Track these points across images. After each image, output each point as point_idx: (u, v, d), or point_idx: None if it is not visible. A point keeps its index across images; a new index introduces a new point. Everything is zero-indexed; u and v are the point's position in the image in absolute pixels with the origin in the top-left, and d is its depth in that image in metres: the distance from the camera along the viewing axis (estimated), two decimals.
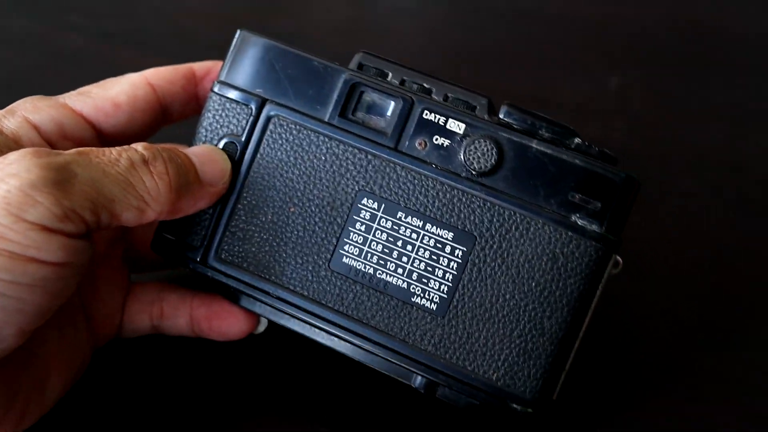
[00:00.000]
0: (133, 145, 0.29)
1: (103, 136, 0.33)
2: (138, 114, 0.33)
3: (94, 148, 0.28)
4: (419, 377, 0.31)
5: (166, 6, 0.54)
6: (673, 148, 0.45)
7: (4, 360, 0.26)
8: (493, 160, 0.30)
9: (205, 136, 0.33)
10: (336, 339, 0.32)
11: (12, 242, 0.24)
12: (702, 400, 0.38)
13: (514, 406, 0.30)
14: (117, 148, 0.28)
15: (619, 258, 0.31)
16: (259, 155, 0.32)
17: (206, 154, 0.31)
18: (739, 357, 0.40)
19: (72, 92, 0.33)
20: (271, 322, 0.34)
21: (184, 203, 0.30)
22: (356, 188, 0.31)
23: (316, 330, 0.32)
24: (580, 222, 0.30)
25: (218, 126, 0.33)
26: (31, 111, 0.31)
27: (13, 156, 0.25)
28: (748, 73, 0.51)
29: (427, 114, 0.31)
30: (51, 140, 0.31)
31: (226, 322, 0.34)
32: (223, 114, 0.33)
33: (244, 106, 0.32)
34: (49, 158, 0.26)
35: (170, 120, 0.36)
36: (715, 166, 0.46)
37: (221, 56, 0.34)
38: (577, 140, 0.30)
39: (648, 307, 0.41)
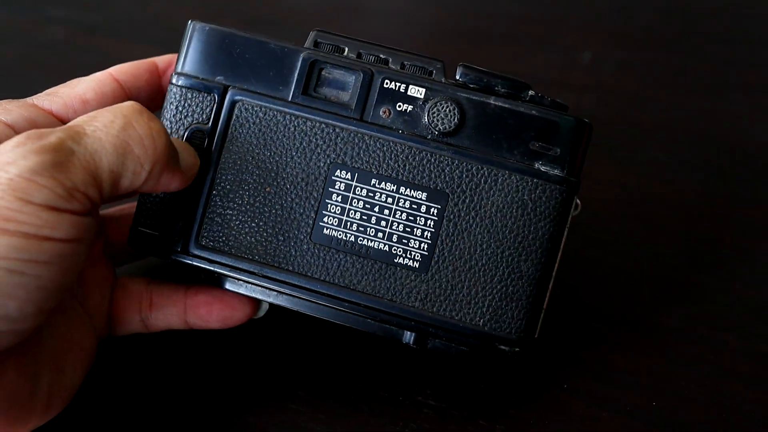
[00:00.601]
0: (128, 102, 0.29)
1: None
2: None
3: (86, 116, 0.28)
4: (409, 333, 0.33)
5: None
6: (644, 118, 0.47)
7: (23, 343, 0.27)
8: (455, 120, 0.32)
9: (170, 127, 0.33)
10: (326, 309, 0.33)
11: (25, 224, 0.25)
12: (667, 357, 0.40)
13: (502, 347, 0.32)
14: (110, 107, 0.29)
15: (578, 200, 0.34)
16: (228, 141, 0.33)
17: (179, 142, 0.32)
18: (704, 317, 0.41)
19: (39, 94, 0.33)
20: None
21: (166, 175, 0.30)
22: (328, 161, 0.33)
23: (306, 302, 0.33)
24: (543, 168, 0.32)
25: (182, 116, 0.33)
26: (1, 113, 0.31)
27: (8, 145, 0.26)
28: (719, 43, 0.52)
29: (387, 83, 0.32)
30: None
31: (229, 307, 0.35)
32: (186, 104, 0.33)
33: (206, 95, 0.33)
34: (43, 141, 0.26)
35: None
36: (686, 135, 0.48)
37: None
38: (531, 92, 0.32)
39: (617, 269, 0.43)
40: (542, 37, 0.50)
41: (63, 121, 0.33)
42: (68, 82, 0.34)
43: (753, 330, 0.41)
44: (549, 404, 0.37)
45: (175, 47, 0.36)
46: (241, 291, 0.34)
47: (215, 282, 0.35)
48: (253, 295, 0.34)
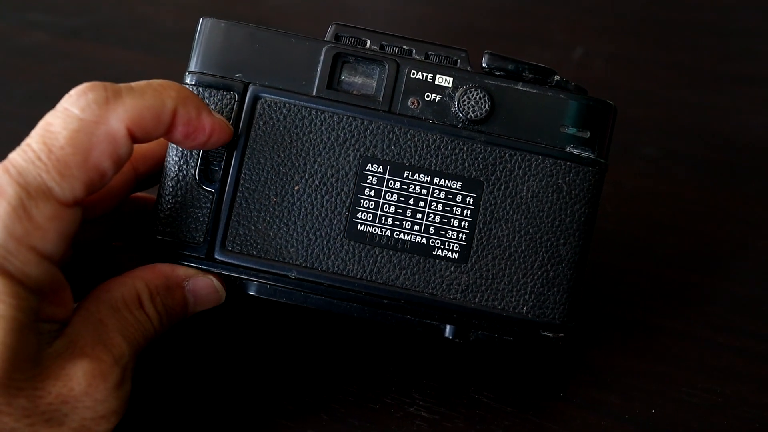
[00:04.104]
0: (143, 302, 0.30)
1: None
2: (116, 179, 0.30)
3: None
4: (450, 327, 0.32)
5: None
6: (636, 112, 0.46)
7: None
8: (486, 107, 0.32)
9: None
10: (364, 309, 0.32)
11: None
12: (664, 360, 0.39)
13: (547, 334, 0.32)
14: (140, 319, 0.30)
15: None
16: (251, 140, 0.32)
17: (204, 292, 0.32)
18: (701, 317, 0.40)
19: (41, 156, 0.26)
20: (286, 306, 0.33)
21: None
22: (358, 156, 0.32)
23: (342, 304, 0.32)
24: (575, 151, 0.32)
25: None
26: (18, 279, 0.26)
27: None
28: (711, 35, 0.52)
29: (414, 73, 0.32)
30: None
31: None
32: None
33: (225, 93, 0.32)
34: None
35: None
36: (680, 130, 0.48)
37: (185, 45, 0.33)
38: (556, 77, 0.33)
39: (610, 268, 0.42)
40: (533, 32, 0.51)
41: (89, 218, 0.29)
42: (72, 135, 0.27)
43: (751, 330, 0.40)
44: (545, 413, 0.37)
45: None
46: (275, 297, 0.32)
47: (239, 288, 0.33)
48: (289, 300, 0.32)
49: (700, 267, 0.42)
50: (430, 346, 0.37)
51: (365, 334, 0.38)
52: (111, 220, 0.35)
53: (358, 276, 0.32)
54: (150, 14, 0.48)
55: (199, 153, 0.32)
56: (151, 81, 0.29)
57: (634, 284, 0.42)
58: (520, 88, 0.32)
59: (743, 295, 0.41)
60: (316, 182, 0.32)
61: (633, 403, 0.37)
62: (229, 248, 0.32)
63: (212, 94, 0.32)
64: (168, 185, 0.32)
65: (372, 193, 0.32)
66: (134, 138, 0.28)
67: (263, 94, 0.32)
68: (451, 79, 0.32)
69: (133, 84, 0.28)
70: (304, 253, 0.32)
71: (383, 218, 0.32)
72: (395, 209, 0.32)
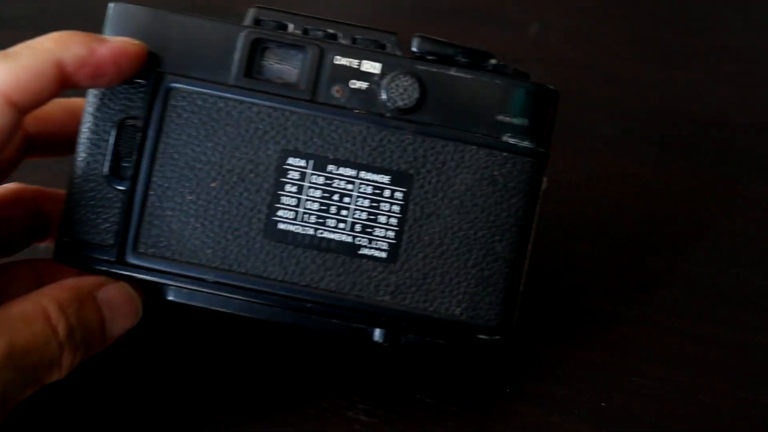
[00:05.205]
0: (54, 323, 0.27)
1: None
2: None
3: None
4: (379, 330, 0.30)
5: None
6: (592, 91, 0.45)
7: None
8: (416, 95, 0.29)
9: (96, 124, 0.30)
10: (286, 312, 0.30)
11: None
12: (617, 349, 0.37)
13: (481, 336, 0.30)
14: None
15: (544, 177, 0.32)
16: (164, 134, 0.29)
17: (118, 302, 0.29)
18: (658, 303, 0.39)
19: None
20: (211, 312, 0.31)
21: None
22: (278, 149, 0.30)
23: (263, 307, 0.30)
24: (511, 141, 0.30)
25: (110, 111, 0.29)
26: None
27: None
28: (671, 8, 0.50)
29: (339, 59, 0.30)
30: None
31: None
32: (113, 97, 0.30)
33: (136, 84, 0.30)
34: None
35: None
36: (640, 107, 0.46)
37: None
38: (493, 61, 0.30)
39: (566, 251, 0.40)
40: (488, 10, 0.49)
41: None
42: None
43: (707, 314, 0.38)
44: (491, 411, 0.35)
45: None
46: (193, 302, 0.30)
47: (156, 293, 0.31)
48: (207, 305, 0.30)
49: (656, 249, 0.41)
50: (369, 347, 0.35)
51: (300, 333, 0.36)
52: (31, 219, 0.33)
53: (279, 278, 0.29)
54: (90, 3, 0.45)
55: (109, 149, 0.29)
56: (30, 41, 0.27)
57: (585, 269, 0.40)
58: (452, 73, 0.30)
59: (700, 279, 0.40)
60: (234, 179, 0.30)
61: (582, 396, 0.35)
62: (142, 250, 0.29)
63: (123, 86, 0.29)
64: (76, 183, 0.30)
65: (293, 190, 0.30)
66: (17, 105, 0.26)
67: (177, 84, 0.29)
68: (379, 65, 0.30)
69: (8, 49, 0.27)
70: (221, 255, 0.29)
71: (305, 216, 0.30)
72: (318, 206, 0.30)
